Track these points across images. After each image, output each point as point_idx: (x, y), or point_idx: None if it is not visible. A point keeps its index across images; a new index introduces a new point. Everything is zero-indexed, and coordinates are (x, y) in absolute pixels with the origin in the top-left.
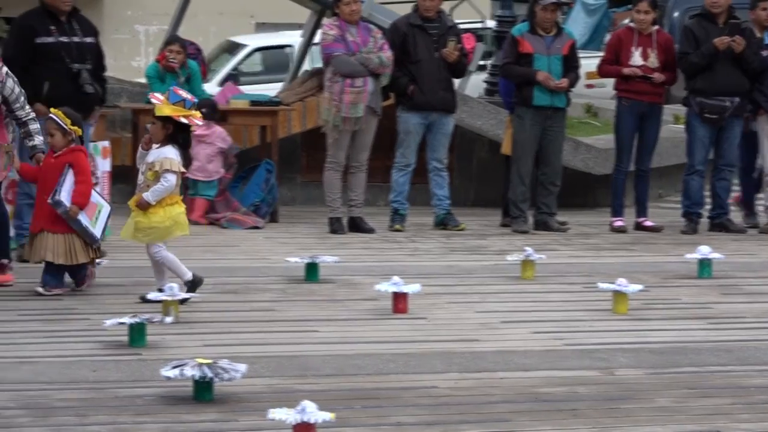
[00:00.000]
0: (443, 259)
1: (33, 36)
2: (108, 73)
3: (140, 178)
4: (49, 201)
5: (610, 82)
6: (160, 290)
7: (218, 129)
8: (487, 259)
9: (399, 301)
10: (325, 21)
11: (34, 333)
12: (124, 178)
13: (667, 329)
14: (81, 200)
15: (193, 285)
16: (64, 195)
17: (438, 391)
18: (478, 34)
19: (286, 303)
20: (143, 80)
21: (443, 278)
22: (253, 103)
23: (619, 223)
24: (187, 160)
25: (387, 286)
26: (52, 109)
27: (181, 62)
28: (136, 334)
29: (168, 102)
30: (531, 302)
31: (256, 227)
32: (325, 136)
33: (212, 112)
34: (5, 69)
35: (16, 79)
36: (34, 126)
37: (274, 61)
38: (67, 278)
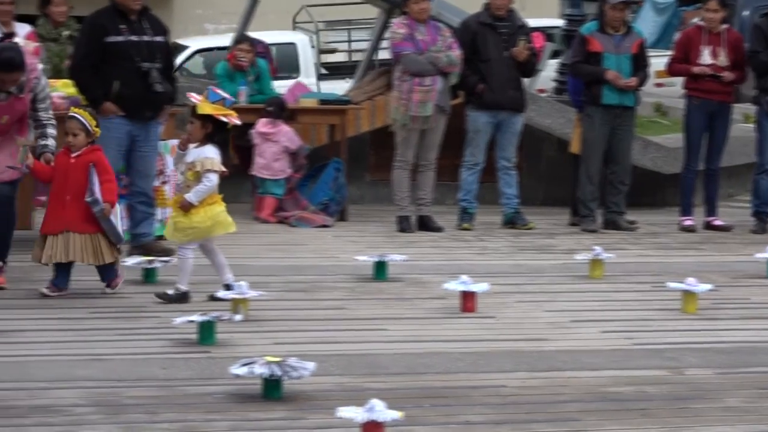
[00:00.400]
0: (512, 257)
1: (103, 35)
2: (177, 72)
3: (179, 178)
4: (88, 200)
5: (680, 80)
6: (228, 287)
7: (285, 128)
8: (555, 258)
9: (467, 300)
10: (395, 20)
11: (105, 330)
12: None
13: (736, 329)
14: (112, 198)
15: (181, 297)
16: (98, 194)
17: (506, 390)
18: (548, 33)
19: (355, 301)
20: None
21: (512, 277)
22: (322, 101)
23: (688, 222)
24: (226, 160)
25: (455, 285)
26: (74, 109)
27: (250, 61)
28: (206, 331)
29: (208, 100)
30: (600, 301)
31: (325, 226)
32: (394, 135)
33: (279, 110)
34: (40, 66)
35: (47, 80)
36: (52, 131)
37: (216, 62)
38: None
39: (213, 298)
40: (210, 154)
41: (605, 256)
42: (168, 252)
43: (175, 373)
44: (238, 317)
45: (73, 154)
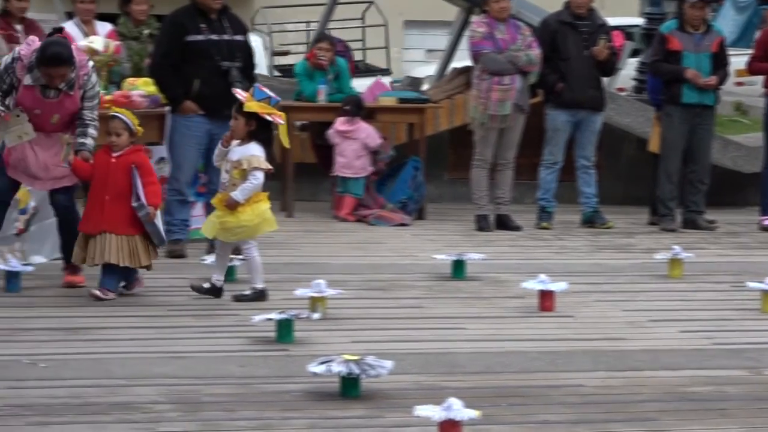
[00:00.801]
0: (590, 257)
1: (184, 34)
2: (257, 71)
3: (224, 176)
4: (134, 205)
5: (760, 79)
6: (254, 290)
7: (363, 125)
8: (634, 258)
9: (546, 299)
10: (474, 18)
11: (184, 328)
12: (273, 175)
13: None
14: (156, 201)
15: (258, 296)
16: (143, 198)
17: (585, 389)
18: (627, 32)
19: (433, 300)
20: (292, 77)
21: (590, 276)
22: (401, 100)
23: None
24: (270, 158)
25: (534, 284)
26: (116, 108)
27: (329, 60)
28: (284, 330)
29: (253, 97)
30: (679, 301)
31: (404, 224)
32: (473, 134)
33: (357, 108)
34: (91, 63)
35: (98, 79)
36: (93, 131)
37: None
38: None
39: (237, 299)
40: (255, 151)
41: (684, 255)
42: None
43: (253, 371)
44: (316, 315)
45: (115, 154)
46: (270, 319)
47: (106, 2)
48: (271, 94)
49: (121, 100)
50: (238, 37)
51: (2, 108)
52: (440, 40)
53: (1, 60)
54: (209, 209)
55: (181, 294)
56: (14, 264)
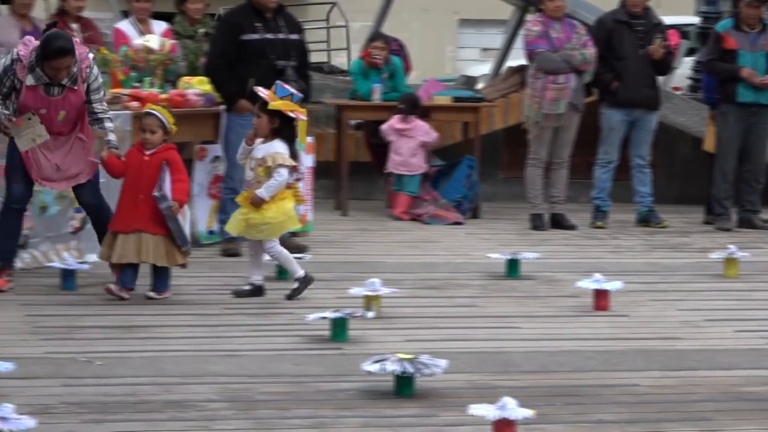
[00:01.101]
0: (645, 256)
1: (239, 33)
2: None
3: (248, 174)
4: (156, 194)
5: None
6: (251, 285)
7: (419, 123)
8: (689, 257)
9: (600, 298)
10: (529, 17)
11: (239, 327)
12: (328, 174)
13: None
14: (182, 198)
15: (304, 282)
16: (168, 191)
17: (639, 389)
18: (683, 31)
19: (487, 299)
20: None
21: (645, 275)
22: (456, 99)
23: None
24: (294, 154)
25: (588, 283)
26: (152, 105)
27: (384, 58)
28: (338, 328)
29: (276, 95)
30: (734, 300)
31: (458, 223)
32: (527, 133)
33: (412, 107)
34: (92, 55)
35: (99, 70)
36: (110, 124)
37: None
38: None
39: (237, 295)
40: (280, 149)
41: (740, 254)
42: (302, 248)
43: (307, 370)
44: (370, 314)
45: (148, 152)
46: (324, 318)
47: (162, 1)
48: (293, 90)
49: (176, 99)
50: (294, 36)
51: (7, 113)
52: (495, 38)
53: None
54: None
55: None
56: (70, 262)
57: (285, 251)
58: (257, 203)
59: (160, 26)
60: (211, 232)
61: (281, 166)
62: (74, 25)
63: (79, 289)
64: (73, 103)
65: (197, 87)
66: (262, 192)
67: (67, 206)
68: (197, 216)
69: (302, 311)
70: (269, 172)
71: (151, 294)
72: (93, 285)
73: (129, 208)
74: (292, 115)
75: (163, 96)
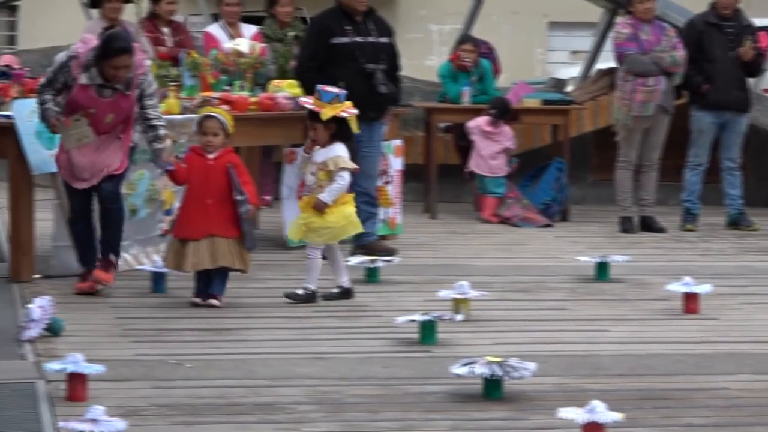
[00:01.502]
0: (735, 259)
1: (329, 36)
2: (402, 73)
3: (309, 179)
4: (238, 198)
5: None
6: (340, 288)
7: (506, 129)
8: None
9: (690, 301)
10: (619, 20)
11: (328, 329)
12: (417, 176)
13: None
14: (256, 200)
15: (309, 297)
16: (246, 194)
17: (729, 392)
18: None
19: (576, 302)
20: (436, 79)
21: (735, 279)
22: (545, 102)
23: None
24: (352, 153)
25: (678, 286)
26: (212, 108)
27: (474, 61)
28: (427, 331)
29: (322, 101)
30: None
31: (548, 225)
32: (616, 135)
33: (502, 112)
34: (149, 62)
35: (153, 77)
36: (164, 131)
37: None
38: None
39: (289, 297)
40: (340, 152)
41: None
42: (391, 252)
43: (396, 372)
44: (459, 317)
45: (211, 156)
46: (413, 321)
47: (252, 4)
48: (336, 90)
49: (266, 102)
50: (383, 40)
51: (57, 110)
52: (585, 41)
53: (55, 58)
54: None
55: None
56: (160, 265)
57: (319, 263)
58: (320, 208)
59: (249, 30)
60: None
61: (343, 169)
62: (165, 29)
63: (169, 292)
64: (122, 108)
65: (287, 90)
66: (324, 196)
67: (156, 209)
68: (286, 219)
69: (391, 314)
70: (331, 176)
71: (214, 302)
72: (183, 288)
73: (198, 213)
74: (344, 115)
75: (253, 99)
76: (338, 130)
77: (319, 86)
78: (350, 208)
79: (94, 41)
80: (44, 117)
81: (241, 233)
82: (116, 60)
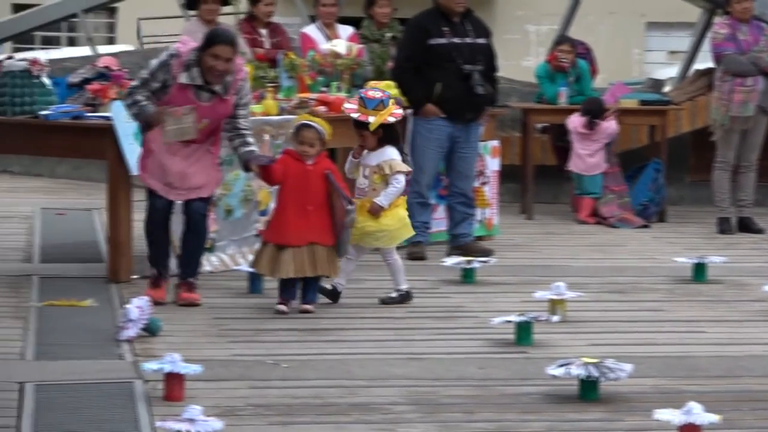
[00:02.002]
0: None
1: (426, 37)
2: (499, 74)
3: (362, 182)
4: (348, 207)
5: None
6: (399, 292)
7: (603, 125)
8: None
9: None
10: (717, 20)
11: (423, 330)
12: (513, 178)
13: None
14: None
15: (404, 297)
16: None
17: None
18: None
19: (673, 303)
20: (533, 80)
21: None
22: (643, 102)
23: None
24: (404, 157)
25: None
26: (307, 116)
27: (571, 62)
28: (523, 332)
29: (368, 109)
30: None
31: (645, 226)
32: (714, 136)
33: (595, 114)
34: (247, 69)
35: (249, 86)
36: (252, 140)
37: None
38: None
39: (326, 292)
40: (394, 155)
41: None
42: (487, 252)
43: (492, 373)
44: (555, 318)
45: (309, 162)
46: (509, 322)
47: (349, 6)
48: (379, 94)
49: None
50: (481, 41)
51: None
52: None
53: (151, 61)
54: (450, 212)
55: (420, 296)
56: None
57: (400, 262)
58: (376, 211)
59: (346, 31)
60: None
61: (399, 172)
62: (263, 31)
63: (265, 293)
64: (219, 114)
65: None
66: (381, 200)
67: (251, 209)
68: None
69: (487, 315)
70: (386, 179)
71: (309, 307)
72: None
73: (298, 220)
74: (392, 119)
75: (350, 100)
76: (386, 134)
77: (362, 92)
78: (404, 211)
79: (192, 43)
80: (142, 114)
81: (338, 241)
82: (217, 48)
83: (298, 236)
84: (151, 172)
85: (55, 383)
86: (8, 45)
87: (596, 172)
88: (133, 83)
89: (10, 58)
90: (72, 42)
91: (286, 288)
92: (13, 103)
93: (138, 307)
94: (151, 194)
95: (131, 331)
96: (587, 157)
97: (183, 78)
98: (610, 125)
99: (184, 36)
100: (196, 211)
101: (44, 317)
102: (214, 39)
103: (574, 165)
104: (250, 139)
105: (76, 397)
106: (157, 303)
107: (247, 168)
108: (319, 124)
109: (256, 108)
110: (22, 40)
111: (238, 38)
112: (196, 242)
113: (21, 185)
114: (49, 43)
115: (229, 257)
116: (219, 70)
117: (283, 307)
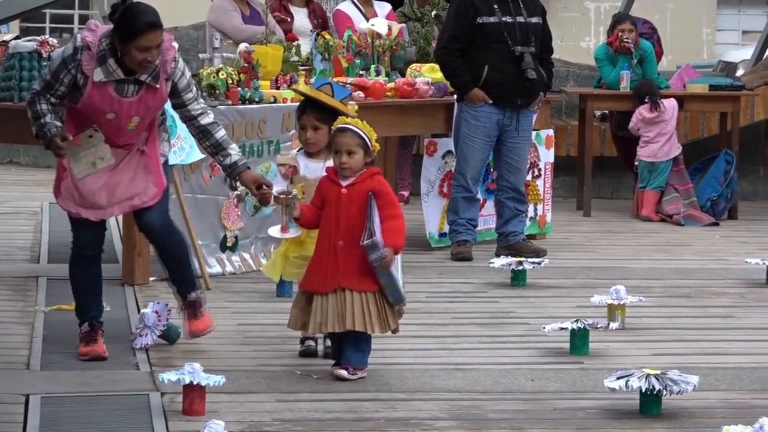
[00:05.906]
0: None
1: (474, 15)
2: (554, 56)
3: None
4: (365, 243)
5: None
6: None
7: (667, 104)
8: None
9: None
10: None
11: (469, 338)
12: (569, 170)
13: None
14: (397, 242)
15: None
16: (379, 235)
17: None
18: None
19: (745, 309)
20: (592, 62)
21: None
22: (713, 87)
23: None
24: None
25: None
26: (345, 119)
27: (634, 42)
28: (579, 340)
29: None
30: None
31: (714, 224)
32: None
33: (654, 94)
34: (176, 45)
35: (184, 63)
36: (221, 132)
37: None
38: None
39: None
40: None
41: None
42: (539, 252)
43: (543, 386)
44: (614, 325)
45: (345, 182)
46: (564, 329)
47: None
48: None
49: (404, 89)
50: (534, 19)
51: (60, 125)
52: (758, 20)
53: (53, 55)
54: (499, 207)
55: (466, 300)
56: None
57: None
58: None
59: (383, 8)
60: (442, 235)
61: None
62: (301, 9)
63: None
64: (151, 107)
65: (427, 75)
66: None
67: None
68: (427, 217)
69: (539, 321)
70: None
71: (342, 373)
72: None
73: (325, 259)
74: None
75: (390, 85)
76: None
77: (332, 79)
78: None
79: (103, 27)
80: (42, 136)
81: (380, 286)
82: (144, 39)
83: (322, 281)
84: (66, 194)
85: (63, 395)
86: (16, 25)
87: (673, 155)
88: (34, 88)
89: (17, 38)
90: (84, 20)
91: (332, 343)
92: (20, 87)
93: (155, 312)
94: (74, 225)
95: (148, 339)
96: (663, 143)
97: (97, 75)
98: (672, 102)
99: (94, 23)
100: (155, 224)
101: (52, 323)
102: (137, 29)
103: (645, 154)
104: (221, 134)
105: (85, 411)
106: (96, 359)
107: (233, 187)
108: (360, 127)
109: (286, 93)
110: (30, 19)
111: (156, 12)
112: (176, 254)
113: (28, 178)
114: (60, 22)
115: (251, 257)
116: (151, 61)
117: (341, 372)
